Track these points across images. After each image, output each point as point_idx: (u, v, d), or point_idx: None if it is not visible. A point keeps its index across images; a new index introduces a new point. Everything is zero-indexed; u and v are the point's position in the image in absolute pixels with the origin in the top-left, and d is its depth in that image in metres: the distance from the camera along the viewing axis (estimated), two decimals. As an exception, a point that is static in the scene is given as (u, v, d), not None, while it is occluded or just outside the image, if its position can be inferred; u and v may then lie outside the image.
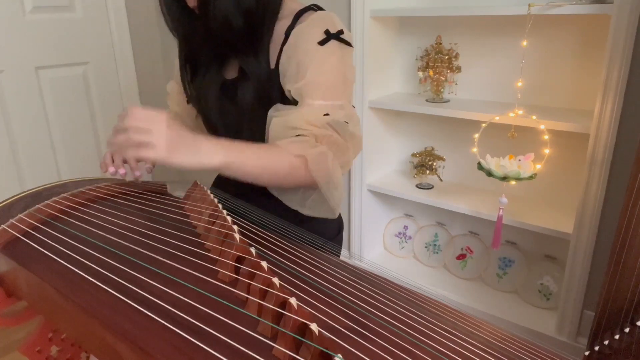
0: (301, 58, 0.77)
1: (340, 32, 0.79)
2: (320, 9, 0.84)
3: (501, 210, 1.56)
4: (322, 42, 0.77)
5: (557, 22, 1.59)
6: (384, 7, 1.79)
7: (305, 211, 0.86)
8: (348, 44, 0.80)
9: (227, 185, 1.02)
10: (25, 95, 2.01)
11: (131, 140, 0.60)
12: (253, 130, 0.85)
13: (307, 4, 0.84)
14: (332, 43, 0.78)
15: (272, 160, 0.72)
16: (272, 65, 0.82)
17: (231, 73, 0.89)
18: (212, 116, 0.90)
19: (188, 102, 1.04)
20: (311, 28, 0.78)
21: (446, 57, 1.77)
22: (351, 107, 0.82)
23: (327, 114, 0.77)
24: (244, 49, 0.80)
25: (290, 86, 0.79)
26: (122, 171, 0.82)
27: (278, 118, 0.78)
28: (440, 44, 1.79)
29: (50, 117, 2.11)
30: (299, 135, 0.75)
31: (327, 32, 0.78)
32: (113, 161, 0.83)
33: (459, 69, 1.78)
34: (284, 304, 0.48)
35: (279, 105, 0.80)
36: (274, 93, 0.82)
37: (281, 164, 0.72)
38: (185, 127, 0.66)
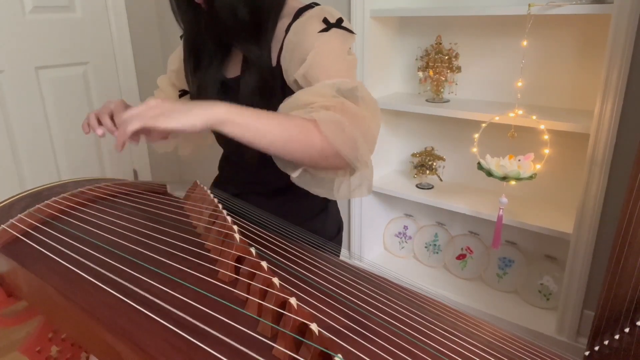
0: (302, 48, 0.77)
1: (340, 20, 0.80)
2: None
3: (501, 210, 1.56)
4: (322, 32, 0.78)
5: (557, 22, 1.59)
6: (384, 7, 1.79)
7: (339, 196, 0.81)
8: (350, 31, 0.81)
9: (227, 185, 1.02)
10: (25, 95, 2.01)
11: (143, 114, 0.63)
12: None
13: (307, 2, 0.84)
14: (333, 31, 0.78)
15: (279, 118, 0.68)
16: (274, 63, 0.82)
17: (232, 72, 0.89)
18: None
19: (180, 96, 1.04)
20: (309, 21, 0.79)
21: (446, 57, 1.77)
22: (358, 81, 0.79)
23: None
24: (248, 37, 0.81)
25: (295, 75, 0.78)
26: (99, 131, 0.81)
27: (285, 101, 0.76)
28: (440, 44, 1.79)
29: (50, 117, 2.11)
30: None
31: (325, 21, 0.78)
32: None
33: (459, 69, 1.78)
34: (284, 304, 0.48)
35: (286, 99, 0.78)
36: (276, 85, 0.83)
37: (290, 123, 0.68)
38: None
